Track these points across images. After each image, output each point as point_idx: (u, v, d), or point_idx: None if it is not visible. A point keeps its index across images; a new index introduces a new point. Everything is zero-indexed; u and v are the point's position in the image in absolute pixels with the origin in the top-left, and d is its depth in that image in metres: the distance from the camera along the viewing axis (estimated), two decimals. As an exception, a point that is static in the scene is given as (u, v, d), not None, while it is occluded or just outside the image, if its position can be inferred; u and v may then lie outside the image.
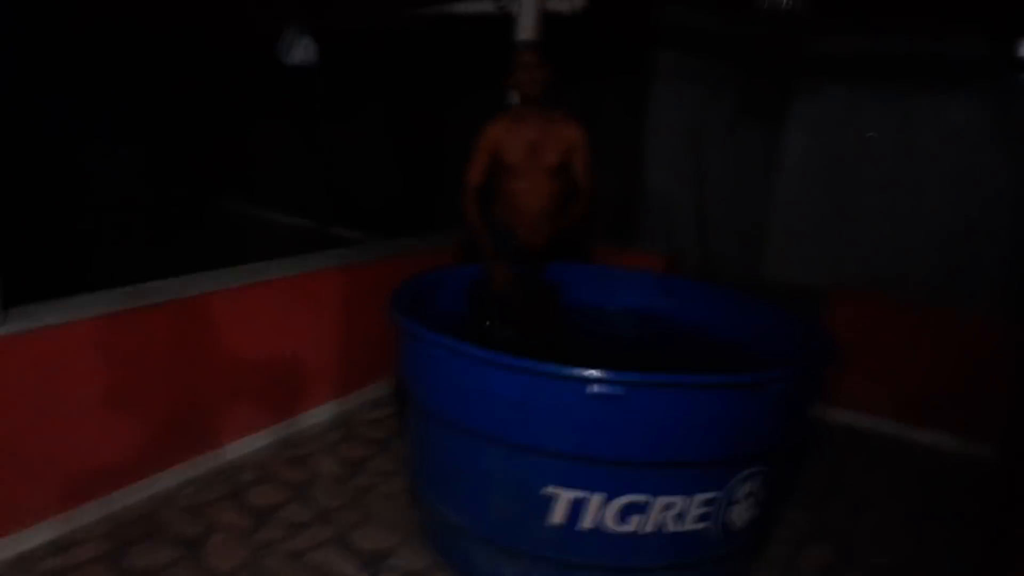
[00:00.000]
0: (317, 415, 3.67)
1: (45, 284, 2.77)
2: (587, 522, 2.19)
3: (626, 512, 2.17)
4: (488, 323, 3.06)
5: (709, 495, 2.21)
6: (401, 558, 2.67)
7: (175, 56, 8.10)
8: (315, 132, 6.51)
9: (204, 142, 8.46)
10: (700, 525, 2.24)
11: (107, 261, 5.25)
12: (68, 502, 2.65)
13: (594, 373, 2.04)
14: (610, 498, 2.16)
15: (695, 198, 6.16)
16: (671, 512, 2.18)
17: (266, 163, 8.06)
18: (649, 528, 2.19)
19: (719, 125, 6.25)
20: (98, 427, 2.71)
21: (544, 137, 3.15)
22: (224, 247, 5.52)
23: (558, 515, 2.21)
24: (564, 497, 2.19)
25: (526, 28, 4.10)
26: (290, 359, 3.46)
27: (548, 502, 2.21)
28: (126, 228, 7.11)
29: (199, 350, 3.04)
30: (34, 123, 5.38)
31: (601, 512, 2.18)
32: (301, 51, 4.87)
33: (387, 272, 3.54)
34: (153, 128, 8.56)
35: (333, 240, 5.39)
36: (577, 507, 2.19)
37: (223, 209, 7.50)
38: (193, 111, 8.40)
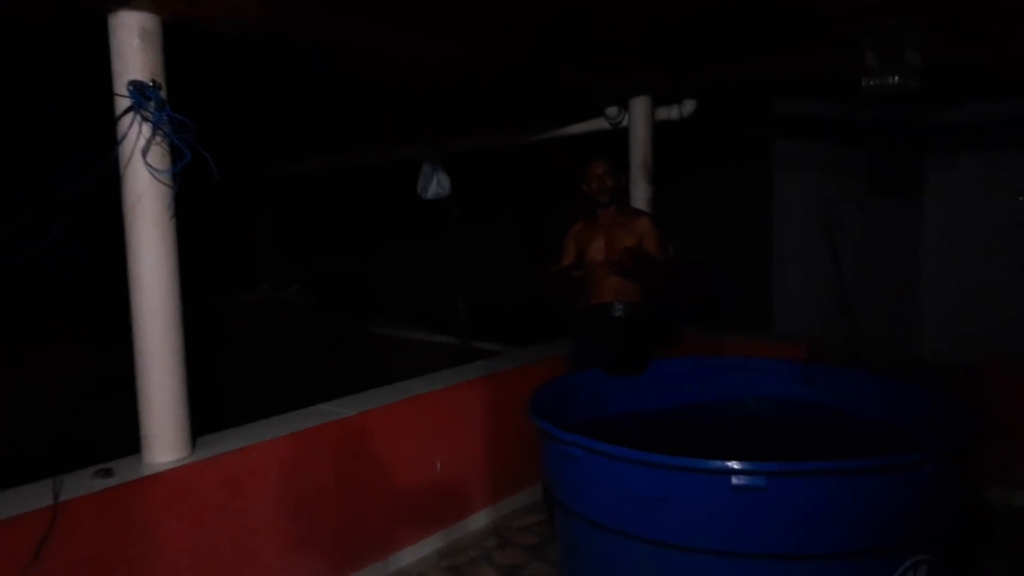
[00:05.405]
0: (472, 523, 3.80)
1: (224, 414, 3.14)
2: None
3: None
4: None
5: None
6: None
7: (330, 203, 9.03)
8: (445, 252, 6.99)
9: (350, 274, 9.24)
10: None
11: (272, 388, 5.78)
12: (253, 613, 2.89)
13: (735, 464, 2.07)
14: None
15: (834, 280, 6.03)
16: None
17: (404, 286, 8.66)
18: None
19: (850, 206, 6.18)
20: (275, 541, 2.96)
21: (617, 230, 3.58)
22: (376, 368, 5.94)
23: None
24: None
25: (638, 139, 4.33)
26: (442, 469, 3.65)
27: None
28: (287, 357, 7.77)
29: (361, 465, 3.29)
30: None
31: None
32: (435, 187, 5.37)
33: (525, 379, 3.71)
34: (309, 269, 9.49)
35: (474, 353, 5.67)
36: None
37: (373, 333, 8.05)
38: (340, 248, 9.25)
